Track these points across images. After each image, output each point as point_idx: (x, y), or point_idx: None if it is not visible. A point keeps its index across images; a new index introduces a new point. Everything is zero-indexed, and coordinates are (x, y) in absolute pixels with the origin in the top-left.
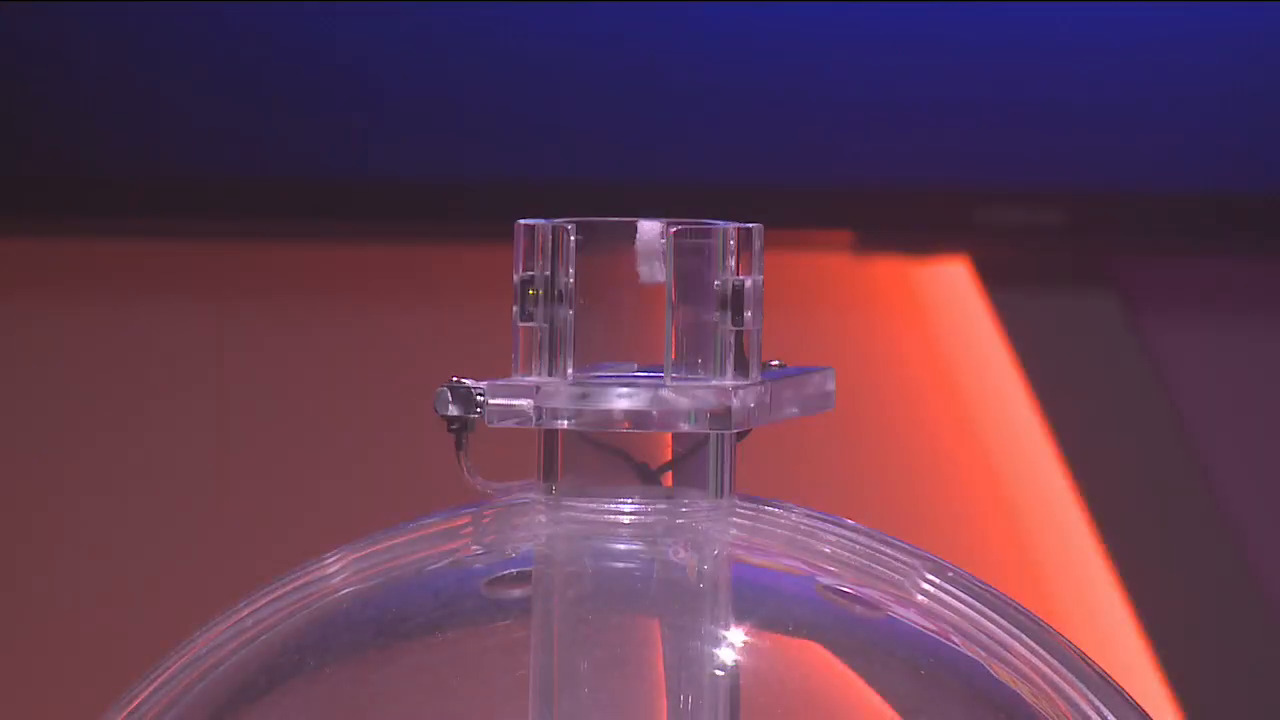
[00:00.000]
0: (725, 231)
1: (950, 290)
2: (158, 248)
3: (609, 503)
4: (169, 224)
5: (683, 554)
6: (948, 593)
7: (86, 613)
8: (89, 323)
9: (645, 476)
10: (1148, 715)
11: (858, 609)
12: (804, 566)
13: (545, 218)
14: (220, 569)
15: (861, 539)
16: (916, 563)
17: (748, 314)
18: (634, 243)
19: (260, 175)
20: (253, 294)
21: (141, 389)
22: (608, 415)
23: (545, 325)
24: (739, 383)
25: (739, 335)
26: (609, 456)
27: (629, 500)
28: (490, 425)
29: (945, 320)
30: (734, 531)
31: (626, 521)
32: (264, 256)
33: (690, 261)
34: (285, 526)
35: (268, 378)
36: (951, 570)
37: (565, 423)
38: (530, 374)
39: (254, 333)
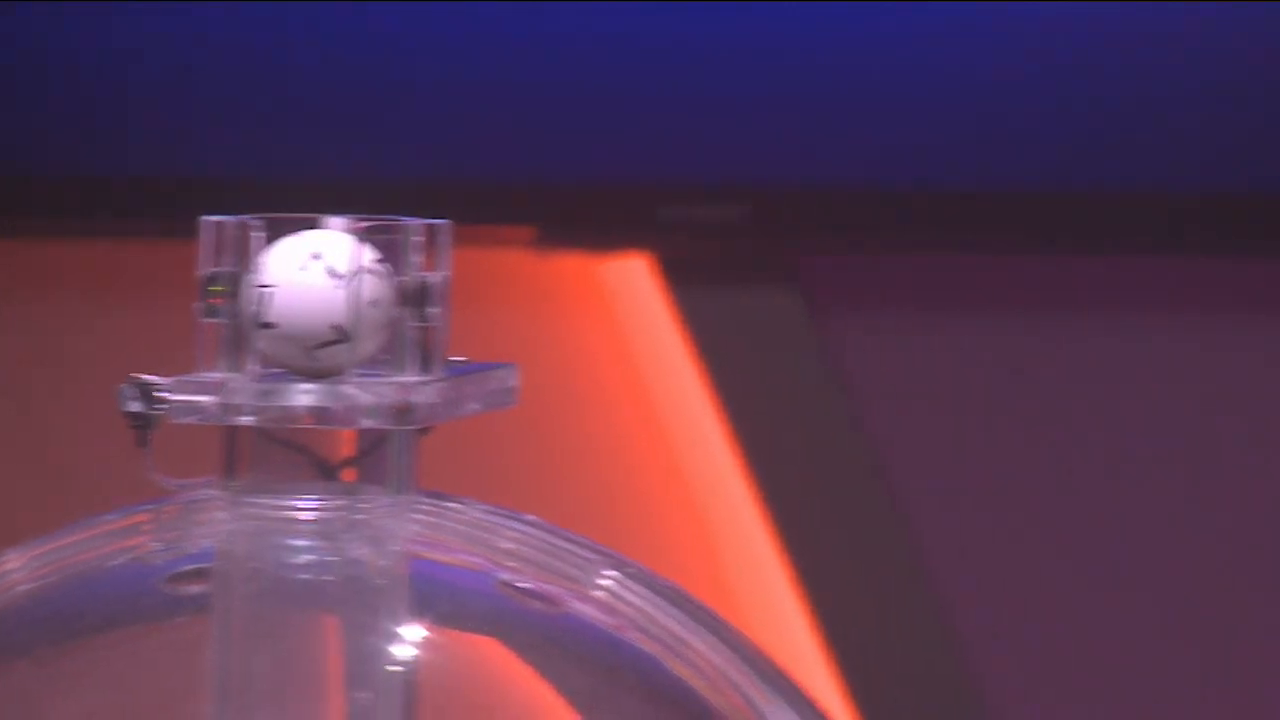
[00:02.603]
0: (412, 228)
1: (633, 286)
2: None
3: (290, 499)
4: None
5: (362, 550)
6: (627, 588)
7: None
8: None
9: (327, 473)
10: (820, 709)
11: (536, 605)
12: (483, 562)
13: (231, 214)
14: None
15: (541, 535)
16: (596, 558)
17: (433, 310)
18: None
19: None
20: None
21: None
22: (290, 411)
23: (229, 321)
24: (421, 378)
25: (424, 331)
26: (291, 453)
27: (310, 497)
28: (173, 422)
29: (628, 316)
30: (414, 528)
31: (306, 518)
32: None
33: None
34: None
35: None
36: (631, 566)
37: (248, 419)
38: (214, 370)
39: None
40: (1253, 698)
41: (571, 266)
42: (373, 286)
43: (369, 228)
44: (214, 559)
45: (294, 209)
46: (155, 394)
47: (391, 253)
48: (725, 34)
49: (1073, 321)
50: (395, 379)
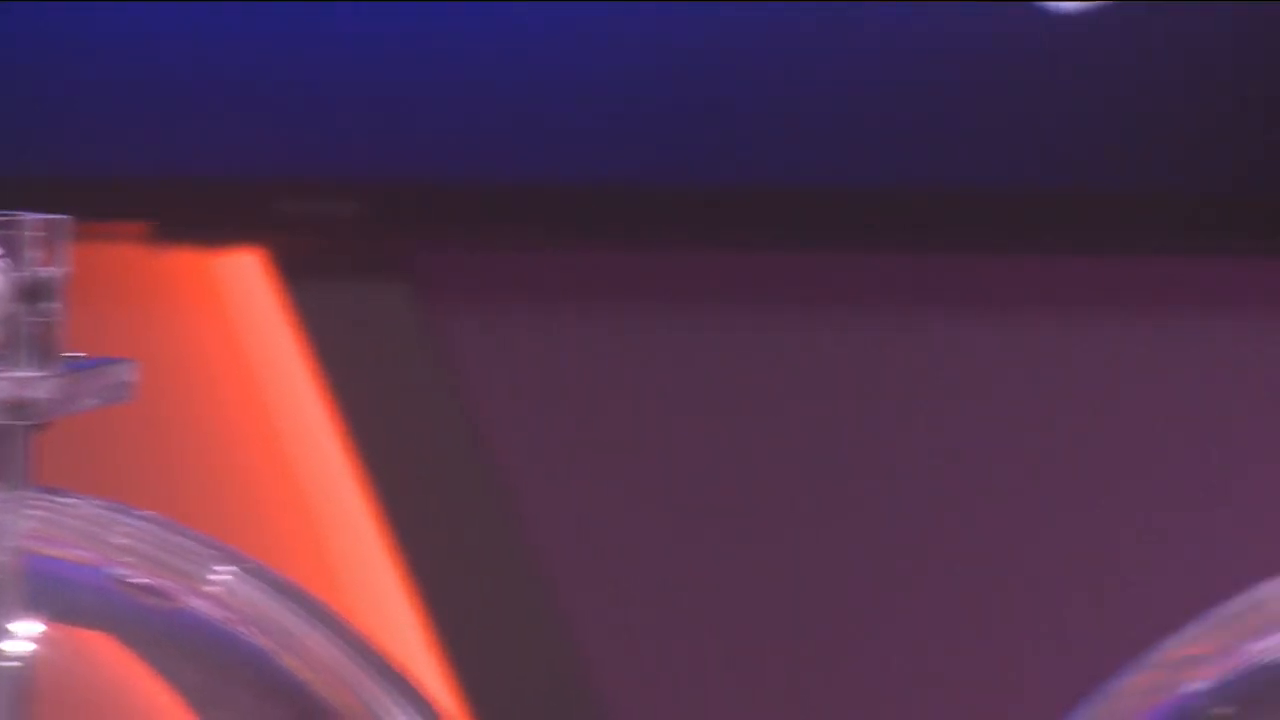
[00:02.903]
0: (29, 222)
1: (246, 282)
2: None
3: None
4: None
5: None
6: (241, 583)
7: None
8: None
9: None
10: (434, 704)
11: (150, 600)
12: (97, 558)
13: None
14: None
15: (155, 530)
16: (209, 553)
17: (50, 305)
18: None
19: None
20: None
21: None
22: None
23: None
24: (38, 374)
25: (41, 326)
26: None
27: None
28: None
29: (241, 312)
30: (28, 523)
31: None
32: None
33: None
34: None
35: None
36: (245, 561)
37: None
38: None
39: None
40: (882, 698)
41: (185, 262)
42: None
43: None
44: None
45: None
46: None
47: (9, 247)
48: (338, 27)
49: (708, 312)
50: (11, 374)
